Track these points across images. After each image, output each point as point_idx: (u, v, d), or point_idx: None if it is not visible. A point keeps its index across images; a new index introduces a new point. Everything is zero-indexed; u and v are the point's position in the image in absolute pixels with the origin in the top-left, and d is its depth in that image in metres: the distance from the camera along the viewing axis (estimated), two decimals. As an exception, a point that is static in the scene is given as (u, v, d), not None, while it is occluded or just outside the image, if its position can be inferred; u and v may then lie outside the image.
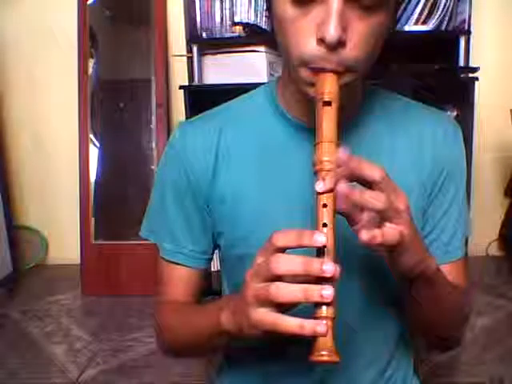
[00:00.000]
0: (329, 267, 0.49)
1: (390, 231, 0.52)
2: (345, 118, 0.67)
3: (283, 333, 0.50)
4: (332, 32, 0.53)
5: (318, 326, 0.49)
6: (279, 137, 0.71)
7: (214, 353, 0.73)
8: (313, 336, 0.50)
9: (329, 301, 0.49)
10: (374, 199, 0.51)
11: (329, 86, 0.56)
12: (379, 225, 0.53)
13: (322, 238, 0.49)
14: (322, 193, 0.51)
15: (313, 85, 0.58)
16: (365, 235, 0.51)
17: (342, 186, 0.51)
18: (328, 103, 0.56)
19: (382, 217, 0.52)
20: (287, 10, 0.56)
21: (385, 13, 0.57)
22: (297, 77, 0.60)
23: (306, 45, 0.56)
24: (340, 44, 0.54)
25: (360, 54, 0.56)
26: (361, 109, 0.72)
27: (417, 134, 0.73)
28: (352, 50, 0.56)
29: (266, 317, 0.51)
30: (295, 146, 0.70)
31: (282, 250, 0.51)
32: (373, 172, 0.52)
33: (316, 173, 0.53)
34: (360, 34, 0.55)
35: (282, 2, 0.57)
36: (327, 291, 0.49)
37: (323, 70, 0.56)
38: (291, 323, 0.50)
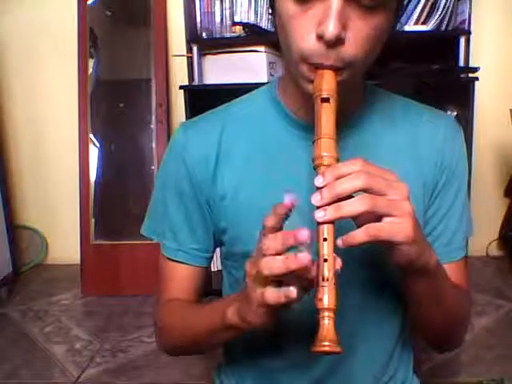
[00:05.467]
0: (304, 256, 0.49)
1: (386, 227, 0.52)
2: (346, 117, 0.67)
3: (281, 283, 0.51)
4: (331, 29, 0.53)
5: (301, 256, 0.49)
6: (280, 135, 0.71)
7: (213, 350, 0.74)
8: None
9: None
10: (354, 205, 0.50)
11: (327, 83, 0.57)
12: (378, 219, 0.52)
13: (305, 235, 0.50)
14: (323, 223, 0.51)
15: (312, 81, 0.58)
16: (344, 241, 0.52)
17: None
18: (326, 100, 0.56)
19: (376, 214, 0.52)
20: (289, 7, 0.57)
21: (386, 14, 0.57)
22: (297, 73, 0.61)
23: (306, 41, 0.57)
24: (339, 41, 0.55)
25: (359, 51, 0.57)
26: (362, 108, 0.72)
27: (417, 134, 0.73)
28: (351, 48, 0.56)
29: (263, 291, 0.53)
30: (296, 143, 0.70)
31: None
32: (351, 167, 0.51)
33: (315, 168, 0.54)
34: (360, 32, 0.56)
35: None
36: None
37: (321, 66, 0.57)
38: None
